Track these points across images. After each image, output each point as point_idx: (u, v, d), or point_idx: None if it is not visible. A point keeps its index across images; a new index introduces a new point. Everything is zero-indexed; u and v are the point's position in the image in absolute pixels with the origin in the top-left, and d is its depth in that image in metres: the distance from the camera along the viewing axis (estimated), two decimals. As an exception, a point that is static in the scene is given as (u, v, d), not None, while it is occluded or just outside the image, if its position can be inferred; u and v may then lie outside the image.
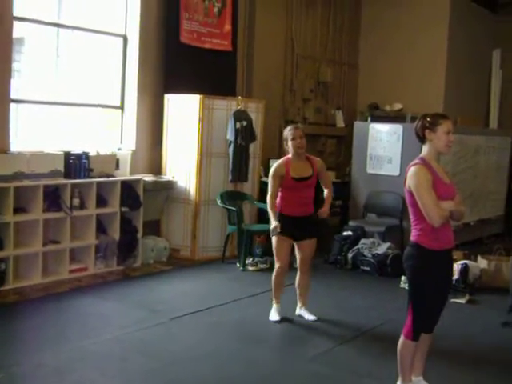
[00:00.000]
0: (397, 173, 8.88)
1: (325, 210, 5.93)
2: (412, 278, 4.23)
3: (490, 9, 12.30)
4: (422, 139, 4.18)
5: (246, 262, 7.87)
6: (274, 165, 5.97)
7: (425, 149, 4.19)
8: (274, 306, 6.05)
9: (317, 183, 6.00)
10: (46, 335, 5.27)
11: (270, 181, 5.90)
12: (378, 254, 7.97)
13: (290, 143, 5.87)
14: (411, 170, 4.12)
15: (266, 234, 8.56)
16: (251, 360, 5.00)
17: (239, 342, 5.36)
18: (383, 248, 8.07)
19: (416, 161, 4.17)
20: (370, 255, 8.00)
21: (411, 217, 4.21)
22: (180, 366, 4.80)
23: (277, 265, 6.00)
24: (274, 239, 5.91)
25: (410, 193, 4.11)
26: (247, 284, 7.23)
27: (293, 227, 5.85)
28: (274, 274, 6.04)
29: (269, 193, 5.88)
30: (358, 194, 9.36)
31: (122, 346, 5.16)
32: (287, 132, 5.92)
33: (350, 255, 8.17)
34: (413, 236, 4.19)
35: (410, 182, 4.11)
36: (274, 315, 5.99)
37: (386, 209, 8.99)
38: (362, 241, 8.31)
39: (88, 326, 5.60)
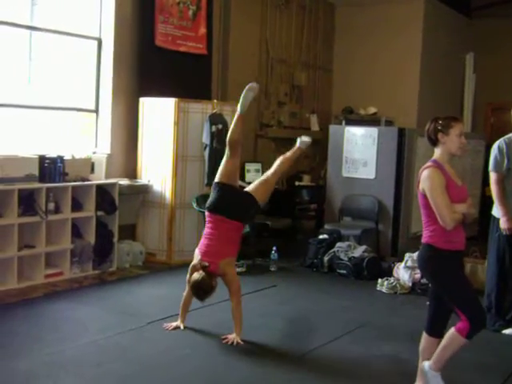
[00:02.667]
0: (372, 176, 8.94)
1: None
2: (440, 280, 4.20)
3: (464, 13, 12.42)
4: (435, 142, 4.21)
5: (223, 265, 7.83)
6: None
7: (437, 151, 4.22)
8: None
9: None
10: (22, 341, 5.20)
11: None
12: (354, 257, 7.99)
13: None
14: (425, 173, 4.13)
15: (242, 238, 8.57)
16: (228, 363, 4.98)
17: (216, 346, 5.33)
18: (359, 251, 8.09)
19: (429, 163, 4.18)
20: (346, 258, 8.02)
21: (423, 218, 4.21)
22: (157, 370, 4.76)
23: None
24: None
25: (424, 195, 4.13)
26: (223, 288, 7.16)
27: None
28: None
29: None
30: (333, 197, 9.39)
31: (99, 350, 5.11)
32: None
33: (326, 258, 8.18)
34: (425, 237, 4.19)
35: (423, 184, 4.12)
36: None
37: (361, 212, 9.02)
38: (338, 244, 8.32)
39: (64, 330, 5.54)
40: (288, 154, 6.00)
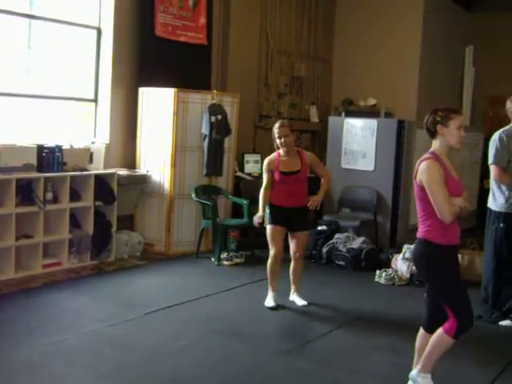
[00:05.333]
0: (371, 167, 8.94)
1: (316, 200, 6.17)
2: (434, 277, 4.17)
3: (464, 6, 12.40)
4: (434, 134, 4.16)
5: (221, 256, 7.85)
6: (266, 159, 6.27)
7: (435, 143, 4.17)
8: (270, 293, 6.26)
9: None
10: (20, 330, 5.21)
11: (263, 174, 6.28)
12: (352, 248, 8.00)
13: (276, 141, 6.13)
14: (423, 165, 4.07)
15: (241, 229, 8.60)
16: (226, 354, 4.99)
17: (214, 337, 5.34)
18: (358, 242, 8.09)
19: (427, 155, 4.13)
20: (344, 250, 8.02)
21: (419, 211, 4.17)
22: (155, 361, 4.77)
23: (270, 252, 6.22)
24: (267, 228, 6.20)
25: (421, 187, 4.07)
26: (222, 279, 7.21)
27: (284, 218, 6.14)
28: (269, 261, 6.25)
29: (262, 185, 6.25)
30: (332, 188, 9.35)
31: (96, 340, 5.13)
32: (274, 130, 6.16)
33: (324, 250, 8.19)
34: (421, 232, 4.15)
35: (421, 176, 4.05)
36: (269, 301, 6.21)
37: (360, 203, 9.03)
38: (337, 235, 8.33)
39: (62, 320, 5.56)
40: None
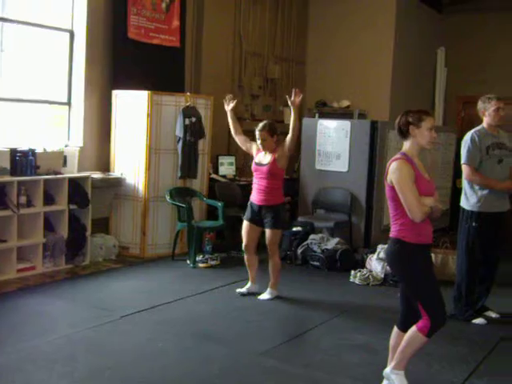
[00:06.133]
0: (345, 169, 8.97)
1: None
2: (407, 275, 4.21)
3: (435, 8, 12.51)
4: (405, 135, 4.21)
5: (196, 259, 7.85)
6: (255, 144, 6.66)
7: (407, 144, 4.22)
8: (249, 283, 6.78)
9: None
10: (-6, 335, 5.19)
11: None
12: (327, 249, 8.04)
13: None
14: (393, 165, 4.12)
15: (216, 231, 8.60)
16: (203, 356, 4.99)
17: (190, 339, 5.34)
18: (332, 243, 8.14)
19: (398, 156, 4.18)
20: (319, 250, 8.06)
21: (391, 211, 4.21)
22: (130, 364, 4.76)
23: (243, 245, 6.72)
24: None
25: (391, 187, 4.12)
26: (197, 281, 7.21)
27: (253, 214, 6.57)
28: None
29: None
30: (306, 190, 9.42)
31: (72, 345, 5.10)
32: (256, 130, 6.51)
33: (299, 251, 8.22)
34: (393, 231, 4.19)
35: (392, 176, 4.11)
36: (241, 289, 6.75)
37: (334, 204, 9.06)
38: (312, 236, 8.37)
39: (37, 325, 5.51)
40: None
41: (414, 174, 4.09)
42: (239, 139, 6.85)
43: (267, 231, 6.52)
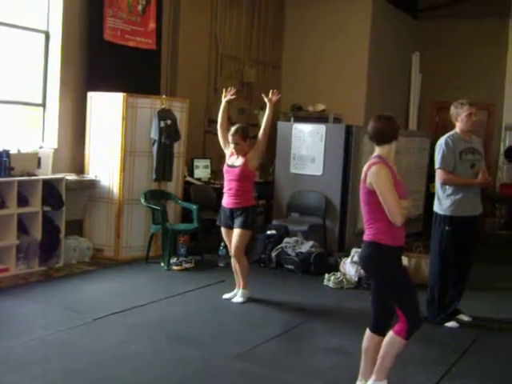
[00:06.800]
0: (320, 172, 9.02)
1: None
2: (384, 278, 4.23)
3: (410, 14, 12.63)
4: (389, 140, 4.21)
5: (171, 261, 7.84)
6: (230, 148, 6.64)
7: (384, 149, 4.22)
8: (236, 288, 6.73)
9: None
10: (-35, 337, 5.14)
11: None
12: (301, 252, 8.06)
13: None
14: (373, 169, 4.12)
15: (191, 234, 8.60)
16: (176, 359, 4.99)
17: (164, 342, 5.34)
18: (306, 246, 8.17)
19: (375, 159, 4.19)
20: (293, 254, 8.09)
21: (365, 215, 4.22)
22: (104, 367, 4.75)
23: None
24: None
25: (370, 191, 4.12)
26: (171, 284, 7.21)
27: (225, 217, 6.61)
28: None
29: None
30: (281, 193, 9.45)
31: (45, 347, 5.07)
32: (229, 134, 6.53)
33: (273, 254, 8.24)
34: (368, 235, 4.19)
35: (371, 180, 4.10)
36: (227, 294, 6.72)
37: (309, 208, 9.10)
38: (286, 240, 8.39)
39: (10, 327, 5.47)
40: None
41: (392, 178, 4.12)
42: (222, 134, 6.72)
43: (234, 231, 6.50)
